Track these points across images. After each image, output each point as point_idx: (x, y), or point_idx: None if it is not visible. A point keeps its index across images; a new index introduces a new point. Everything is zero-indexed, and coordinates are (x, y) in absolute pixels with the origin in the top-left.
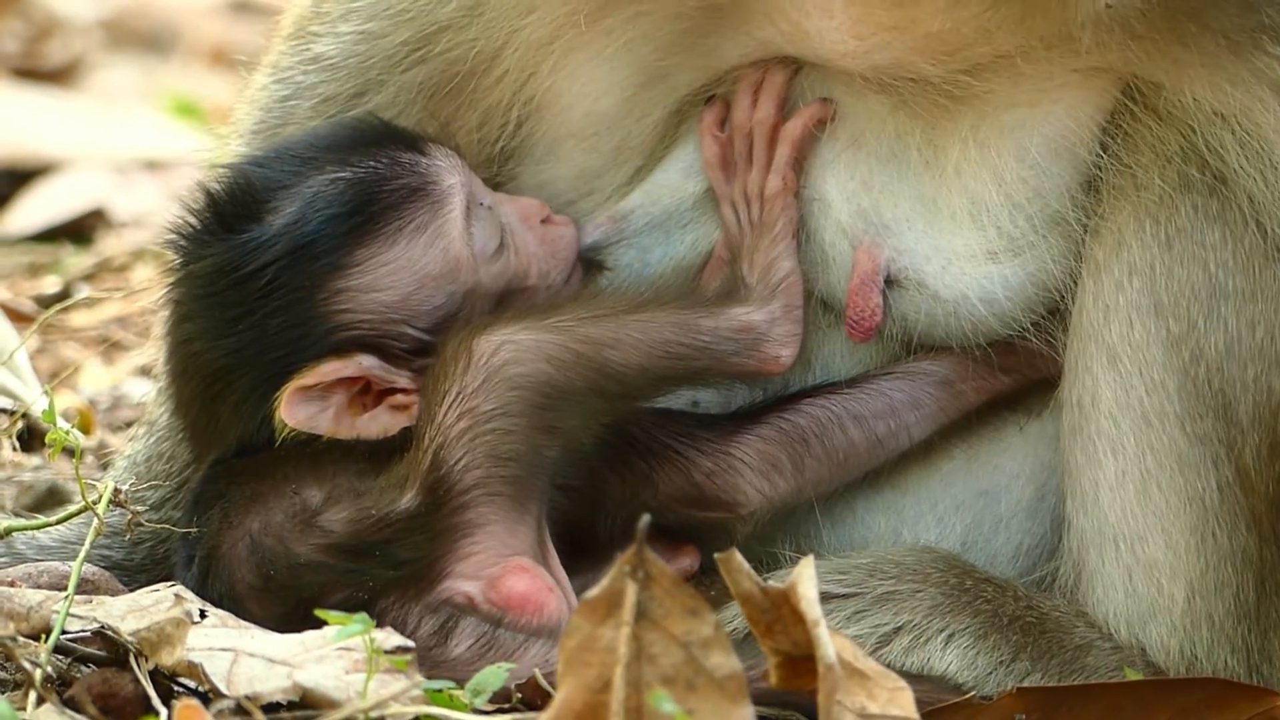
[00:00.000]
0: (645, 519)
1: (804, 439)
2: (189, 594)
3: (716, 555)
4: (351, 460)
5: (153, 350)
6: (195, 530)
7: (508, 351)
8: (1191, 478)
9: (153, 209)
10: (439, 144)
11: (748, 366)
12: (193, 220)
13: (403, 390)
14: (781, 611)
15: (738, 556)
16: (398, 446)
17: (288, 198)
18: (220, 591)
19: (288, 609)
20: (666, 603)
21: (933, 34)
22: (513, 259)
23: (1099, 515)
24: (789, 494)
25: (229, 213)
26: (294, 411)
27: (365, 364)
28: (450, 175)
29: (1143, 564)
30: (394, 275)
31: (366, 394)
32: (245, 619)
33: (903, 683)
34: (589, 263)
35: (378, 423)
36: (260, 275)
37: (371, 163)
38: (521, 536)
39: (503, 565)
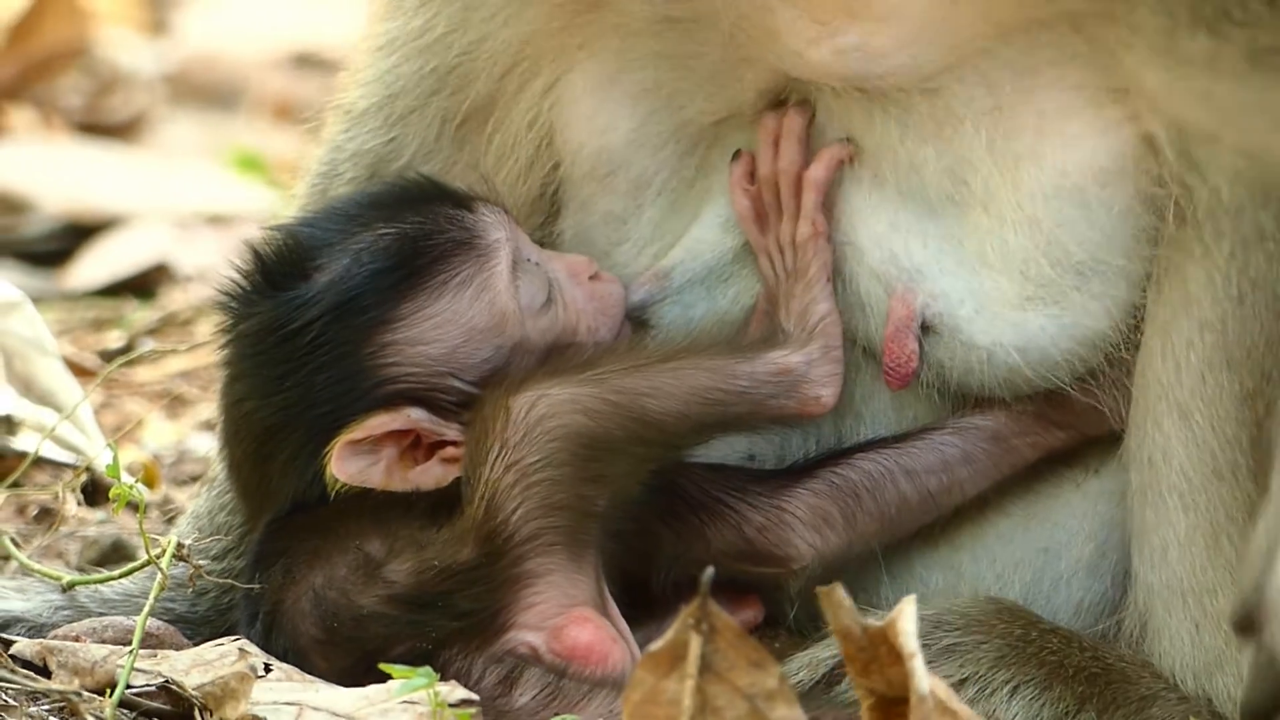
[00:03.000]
0: (709, 572)
1: (855, 493)
2: (253, 648)
3: (819, 589)
4: (412, 514)
5: (216, 405)
6: (258, 586)
7: (543, 406)
8: None
9: (216, 264)
10: (486, 201)
11: (788, 409)
12: (240, 280)
13: (453, 443)
14: (879, 650)
15: (840, 591)
16: (457, 499)
17: (333, 255)
18: (284, 646)
19: (352, 661)
20: (730, 655)
21: (893, 16)
22: (561, 314)
23: (1168, 570)
24: (840, 548)
25: (275, 271)
26: (344, 466)
27: (414, 416)
28: (496, 230)
29: (1210, 616)
30: (440, 329)
31: (417, 447)
32: (310, 673)
33: None
34: (635, 321)
35: (430, 475)
36: (306, 331)
37: (417, 218)
38: (582, 587)
39: (566, 615)
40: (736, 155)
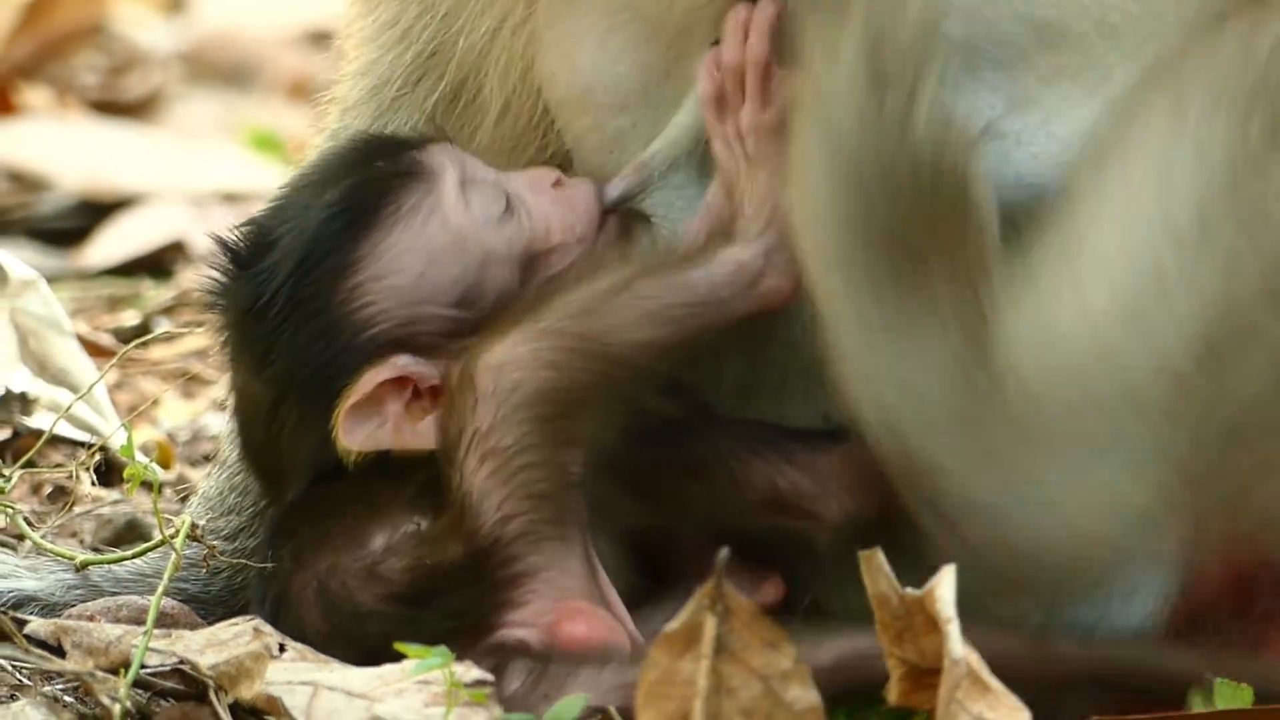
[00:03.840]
0: (724, 552)
1: None
2: (268, 627)
3: (861, 552)
4: (408, 497)
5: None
6: (271, 566)
7: (510, 373)
8: None
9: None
10: (429, 138)
11: (750, 306)
12: (214, 271)
13: None
14: (914, 619)
15: (880, 556)
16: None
17: (287, 223)
18: (289, 633)
19: (354, 657)
20: (745, 635)
21: None
22: (526, 221)
23: None
24: (872, 512)
25: (239, 253)
26: (352, 434)
27: (401, 363)
28: (438, 156)
29: None
30: (401, 259)
31: (420, 397)
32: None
33: (1023, 706)
34: (626, 214)
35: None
36: (276, 299)
37: (361, 167)
38: (574, 574)
39: (558, 609)
40: (715, 43)
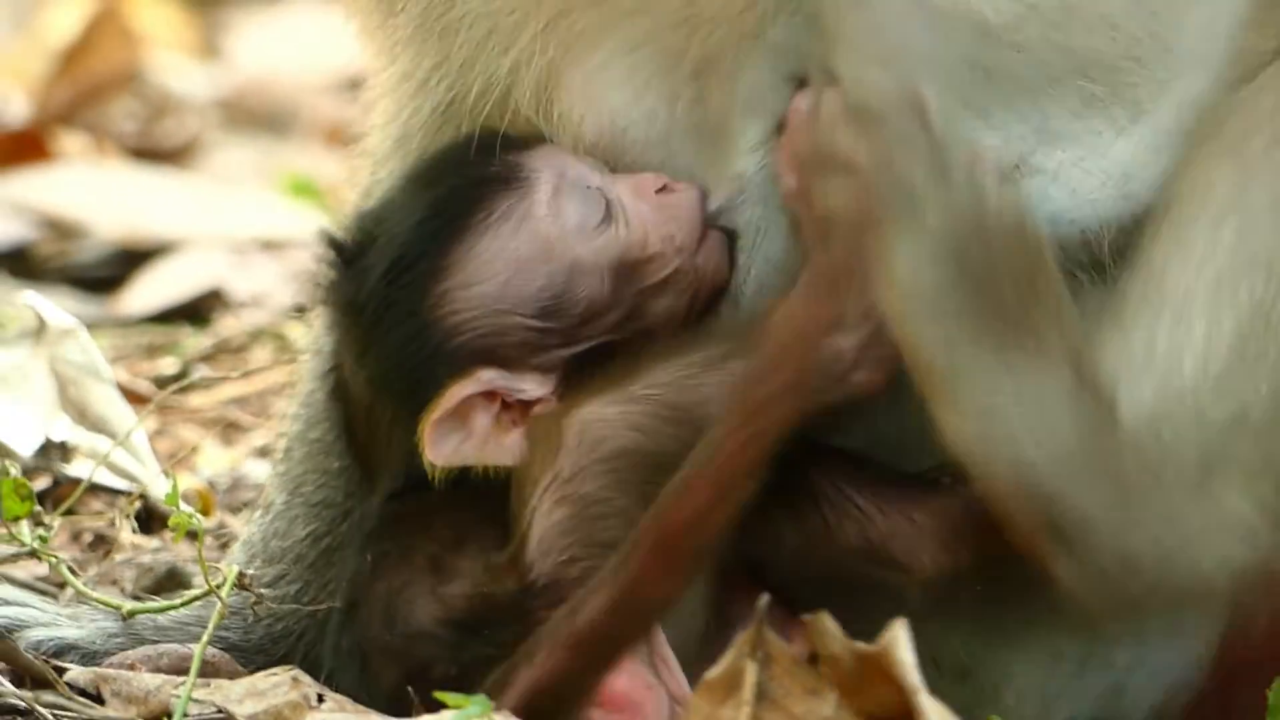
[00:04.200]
0: (764, 599)
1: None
2: (306, 678)
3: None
4: (482, 524)
5: (271, 431)
6: (310, 609)
7: (597, 429)
8: None
9: (270, 289)
10: (534, 138)
11: (839, 396)
12: (322, 269)
13: (541, 400)
14: (872, 680)
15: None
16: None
17: (387, 223)
18: (351, 642)
19: (397, 675)
20: (786, 682)
21: None
22: (622, 231)
23: None
24: (962, 568)
25: (344, 248)
26: (437, 448)
27: (486, 377)
28: (536, 160)
29: None
30: (488, 266)
31: (509, 411)
32: (369, 676)
33: None
34: (725, 229)
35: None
36: (371, 299)
37: (459, 169)
38: None
39: None
40: (779, 128)
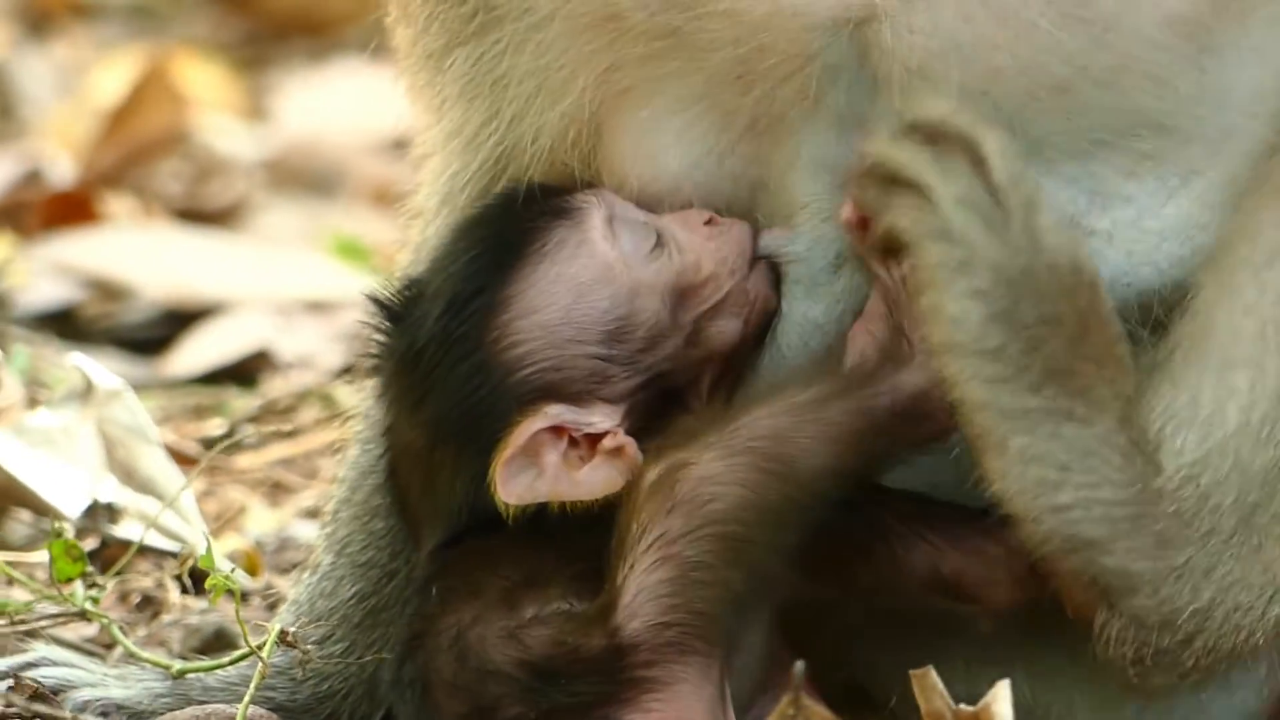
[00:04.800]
0: (799, 665)
1: None
2: None
3: (912, 671)
4: (567, 569)
5: (318, 492)
6: (356, 666)
7: (707, 489)
8: None
9: (317, 350)
10: (581, 184)
11: (922, 436)
12: (371, 330)
13: (609, 432)
14: None
15: (933, 675)
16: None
17: (439, 272)
18: (413, 675)
19: (465, 710)
20: None
21: None
22: (675, 256)
23: None
24: (1040, 597)
25: (394, 306)
26: (509, 488)
27: (553, 412)
28: (586, 196)
29: None
30: (548, 293)
31: (577, 447)
32: (429, 709)
33: None
34: (773, 265)
35: (599, 474)
36: (430, 343)
37: (510, 211)
38: (706, 696)
39: None
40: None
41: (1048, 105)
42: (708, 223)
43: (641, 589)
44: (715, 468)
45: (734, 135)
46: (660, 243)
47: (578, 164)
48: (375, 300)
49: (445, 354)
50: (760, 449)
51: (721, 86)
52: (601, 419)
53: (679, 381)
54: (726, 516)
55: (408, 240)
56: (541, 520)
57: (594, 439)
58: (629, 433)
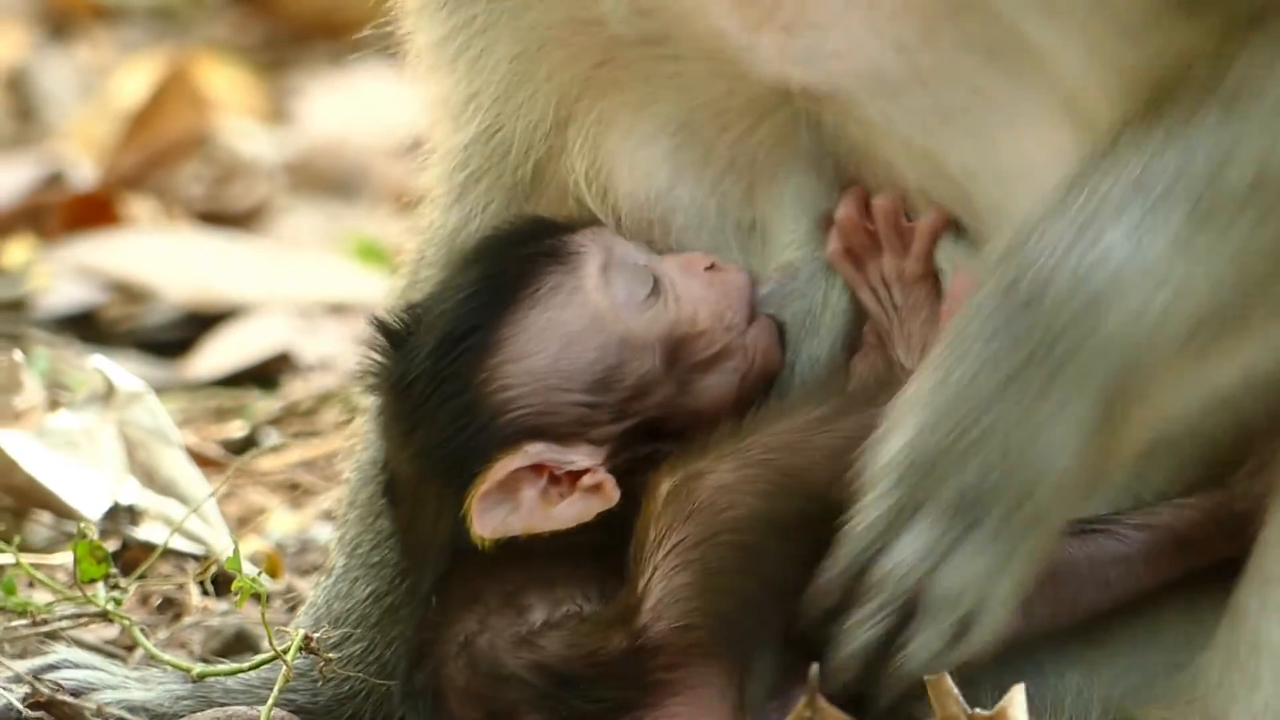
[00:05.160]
0: (815, 668)
1: (1038, 580)
2: None
3: (926, 677)
4: (578, 575)
5: (339, 494)
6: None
7: (724, 497)
8: None
9: (338, 353)
10: (579, 221)
11: None
12: (367, 355)
13: (588, 470)
14: None
15: (948, 680)
16: (624, 545)
17: (436, 306)
18: (424, 684)
19: (481, 716)
20: None
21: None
22: (671, 305)
23: None
24: (1015, 633)
25: (393, 332)
26: (484, 521)
27: (533, 451)
28: (583, 239)
29: None
30: (537, 340)
31: (557, 483)
32: (443, 717)
33: None
34: (771, 315)
35: (573, 509)
36: (420, 377)
37: (507, 249)
38: (728, 701)
39: None
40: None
41: None
42: (709, 268)
43: (665, 592)
44: (730, 478)
45: (719, 169)
46: (657, 289)
47: (580, 182)
48: (377, 323)
49: (435, 390)
50: (773, 461)
51: (704, 121)
52: (584, 458)
53: (673, 426)
54: (740, 525)
55: (416, 226)
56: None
57: (574, 475)
58: (614, 468)
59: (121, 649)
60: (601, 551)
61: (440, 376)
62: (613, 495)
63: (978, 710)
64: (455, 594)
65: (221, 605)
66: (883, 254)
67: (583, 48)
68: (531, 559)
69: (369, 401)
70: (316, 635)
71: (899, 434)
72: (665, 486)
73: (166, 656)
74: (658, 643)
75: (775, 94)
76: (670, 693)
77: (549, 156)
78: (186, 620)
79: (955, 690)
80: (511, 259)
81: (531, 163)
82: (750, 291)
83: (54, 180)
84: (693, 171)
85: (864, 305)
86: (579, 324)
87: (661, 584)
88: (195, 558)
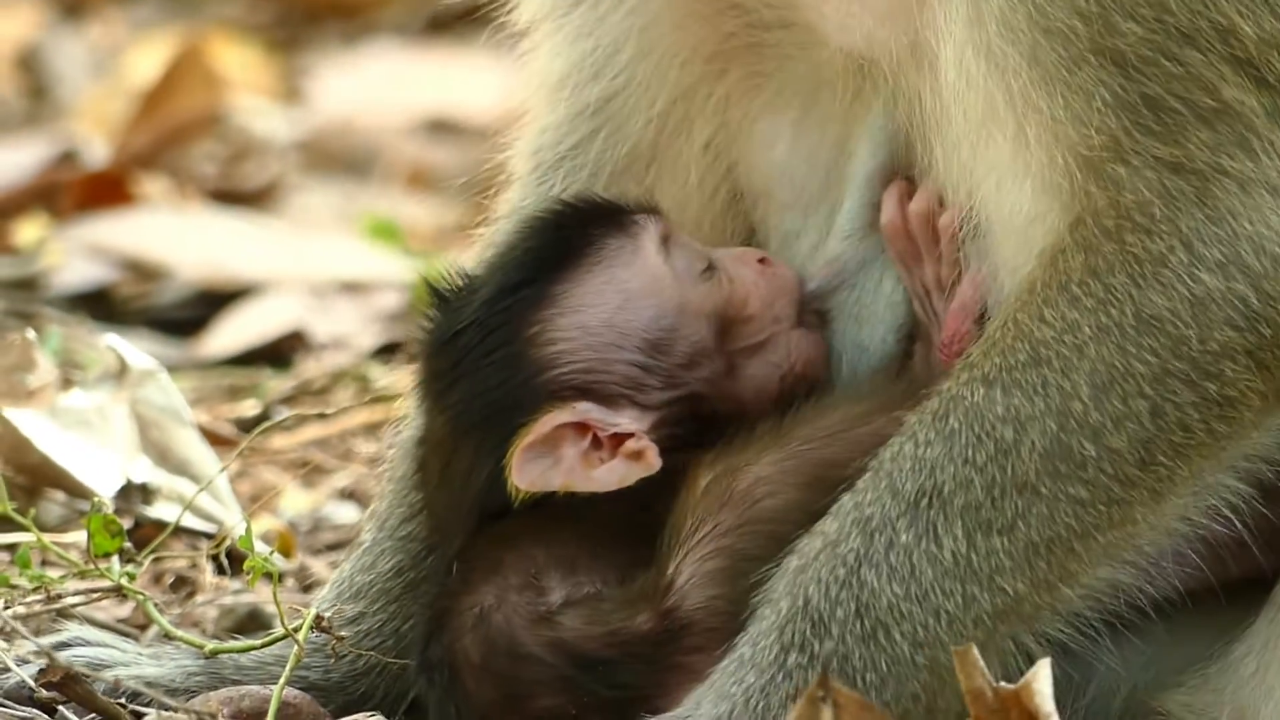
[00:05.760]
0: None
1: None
2: None
3: (954, 648)
4: (601, 555)
5: (353, 473)
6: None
7: (761, 488)
8: None
9: (351, 331)
10: (641, 205)
11: None
12: (423, 315)
13: (633, 435)
14: (1010, 714)
15: (974, 652)
16: (650, 546)
17: (494, 267)
18: (439, 656)
19: (498, 696)
20: None
21: None
22: (725, 284)
23: None
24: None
25: (447, 292)
26: (524, 472)
27: (582, 408)
28: (643, 215)
29: None
30: (595, 296)
31: (599, 446)
32: (459, 692)
33: None
34: (818, 311)
35: (614, 473)
36: (469, 328)
37: (568, 216)
38: None
39: None
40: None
41: None
42: (760, 261)
43: (695, 574)
44: (769, 470)
45: (821, 145)
46: (711, 268)
47: (697, 126)
48: (429, 284)
49: (481, 341)
50: (811, 453)
51: (808, 93)
52: (629, 421)
53: (715, 409)
54: (775, 515)
55: (494, 210)
56: (553, 501)
57: (618, 439)
58: (656, 440)
59: (134, 628)
60: (624, 537)
61: (490, 327)
62: (654, 463)
63: (1002, 683)
64: (476, 564)
65: (234, 584)
66: (923, 261)
67: (709, 19)
68: (555, 537)
69: (413, 378)
70: (329, 614)
71: None
72: (705, 478)
73: (180, 633)
74: (683, 623)
75: (850, 66)
76: (690, 676)
77: (661, 130)
78: (199, 599)
79: (981, 663)
80: (572, 225)
81: (645, 135)
82: (799, 290)
83: (66, 159)
84: (812, 153)
85: (904, 277)
86: (639, 284)
87: (692, 567)
88: (208, 536)
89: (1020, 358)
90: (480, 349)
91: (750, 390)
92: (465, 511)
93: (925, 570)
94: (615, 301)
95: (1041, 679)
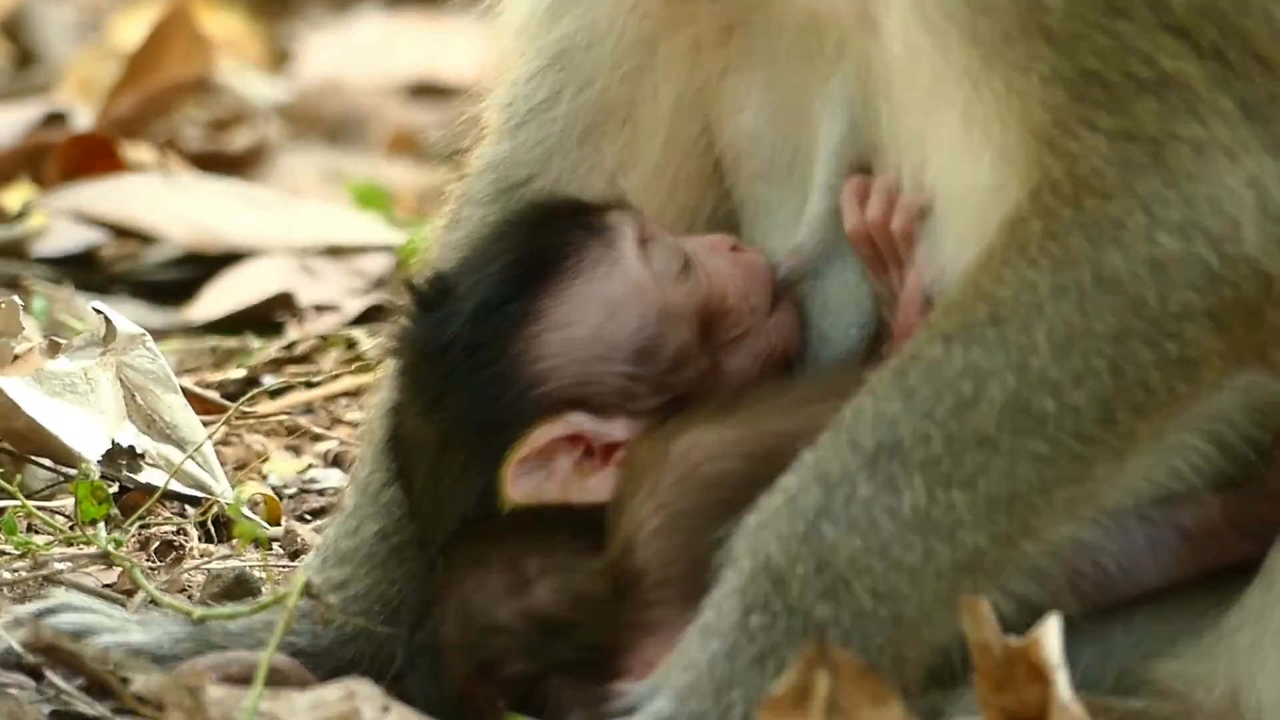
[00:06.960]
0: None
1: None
2: (372, 689)
3: (964, 598)
4: (577, 537)
5: (338, 438)
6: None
7: (701, 451)
8: None
9: (337, 297)
10: (612, 202)
11: None
12: (401, 316)
13: (624, 443)
14: (1016, 669)
15: (985, 605)
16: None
17: (473, 274)
18: (424, 643)
19: (469, 669)
20: (854, 693)
21: None
22: (703, 279)
23: None
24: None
25: (425, 298)
26: (519, 486)
27: (575, 420)
28: (619, 216)
29: None
30: (580, 309)
31: (591, 455)
32: (441, 674)
33: None
34: (790, 295)
35: (607, 483)
36: (455, 342)
37: (544, 224)
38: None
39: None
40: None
41: None
42: (733, 249)
43: (638, 536)
44: (711, 437)
45: (786, 112)
46: (688, 265)
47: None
48: (410, 289)
49: (469, 358)
50: (760, 426)
51: (771, 54)
52: (621, 431)
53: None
54: (720, 481)
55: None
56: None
57: (610, 449)
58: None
59: (121, 594)
60: (604, 525)
61: (476, 344)
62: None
63: (1011, 637)
64: (460, 559)
65: (222, 550)
66: (887, 266)
67: None
68: (537, 528)
69: (391, 354)
70: (318, 581)
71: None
72: (647, 445)
73: (168, 599)
74: (631, 580)
75: (807, 26)
76: (646, 633)
77: (632, 86)
78: (186, 564)
79: (990, 616)
80: (547, 233)
81: (612, 88)
82: (770, 275)
83: (52, 124)
84: (776, 114)
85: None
86: (621, 294)
87: (638, 530)
88: (195, 502)
89: (979, 315)
90: (467, 367)
91: (735, 382)
92: (452, 515)
93: (885, 523)
94: (601, 314)
95: (1050, 633)
